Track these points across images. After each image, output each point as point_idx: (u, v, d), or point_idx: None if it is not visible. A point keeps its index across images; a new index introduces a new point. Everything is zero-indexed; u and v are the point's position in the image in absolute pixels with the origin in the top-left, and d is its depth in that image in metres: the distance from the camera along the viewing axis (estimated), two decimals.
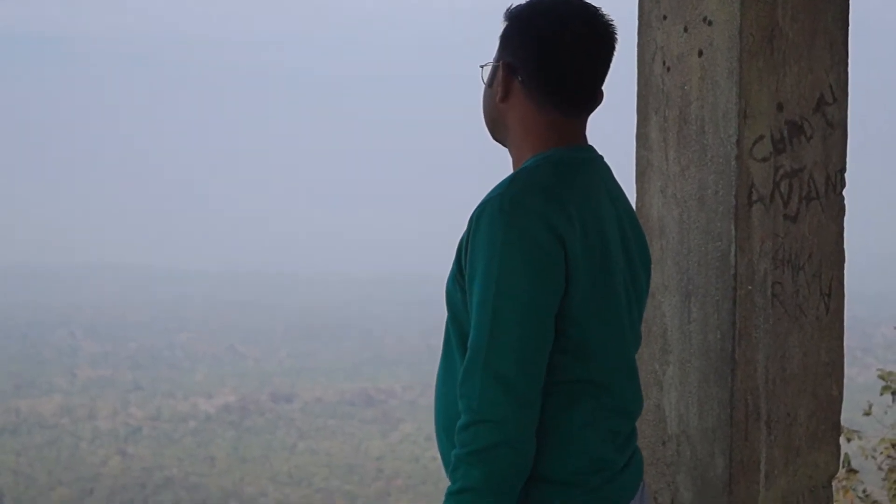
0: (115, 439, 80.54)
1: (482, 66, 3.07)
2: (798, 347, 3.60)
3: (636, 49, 3.77)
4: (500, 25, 3.07)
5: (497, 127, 3.03)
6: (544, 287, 2.76)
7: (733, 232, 3.47)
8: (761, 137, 3.50)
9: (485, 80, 3.06)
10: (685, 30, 3.61)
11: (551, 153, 2.92)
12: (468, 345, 2.77)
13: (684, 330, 3.61)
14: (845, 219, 3.73)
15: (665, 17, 3.66)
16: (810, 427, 3.63)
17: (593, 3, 2.98)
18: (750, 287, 3.49)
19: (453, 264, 2.89)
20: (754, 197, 3.50)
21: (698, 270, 3.57)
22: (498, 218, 2.76)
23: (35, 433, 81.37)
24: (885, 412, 8.79)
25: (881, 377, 8.65)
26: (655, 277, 3.64)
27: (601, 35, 2.92)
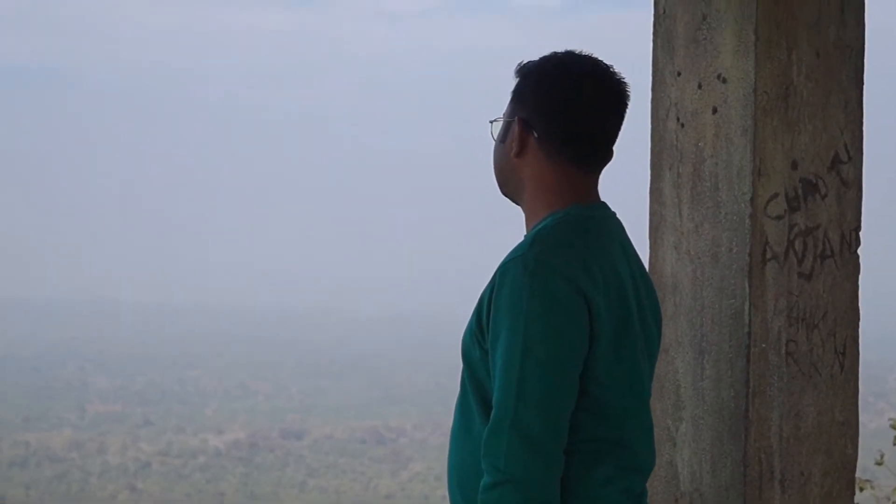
0: (124, 474, 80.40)
1: (492, 122, 3.08)
2: (812, 406, 3.58)
3: (650, 105, 3.77)
4: (510, 81, 3.08)
5: (509, 182, 3.04)
6: (570, 347, 2.77)
7: (747, 289, 3.47)
8: (776, 195, 3.50)
9: (495, 136, 3.07)
10: (699, 87, 3.61)
11: (569, 210, 2.93)
12: (493, 403, 2.78)
13: (697, 387, 3.60)
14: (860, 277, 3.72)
15: (679, 74, 3.67)
16: (825, 486, 3.61)
17: (605, 61, 2.99)
18: (764, 345, 3.49)
19: (472, 320, 2.90)
20: (768, 255, 3.49)
21: (712, 327, 3.56)
22: (523, 277, 2.77)
23: (44, 467, 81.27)
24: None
25: (893, 426, 8.61)
26: (668, 333, 3.63)
27: (616, 93, 2.94)
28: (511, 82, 3.04)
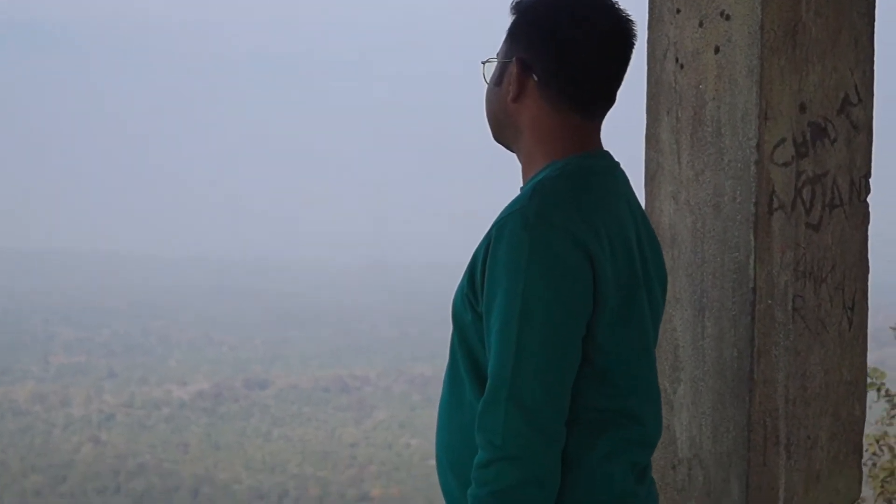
0: (88, 426, 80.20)
1: (484, 63, 2.82)
2: (820, 365, 3.36)
3: (646, 45, 3.52)
4: (504, 18, 2.82)
5: (504, 129, 2.78)
6: (573, 310, 2.52)
7: (752, 242, 3.23)
8: (783, 140, 3.26)
9: (488, 78, 2.81)
10: (700, 24, 3.36)
11: (570, 160, 2.68)
12: (489, 373, 2.53)
13: (697, 346, 3.37)
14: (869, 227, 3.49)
15: (679, 11, 3.42)
16: (831, 450, 3.40)
17: None
18: (770, 301, 3.25)
19: (464, 280, 2.64)
20: (775, 204, 3.26)
21: (713, 283, 3.33)
22: (522, 234, 2.52)
23: (8, 420, 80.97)
24: (870, 408, 8.61)
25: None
26: (667, 289, 3.39)
27: (622, 31, 2.69)
28: (506, 20, 2.78)
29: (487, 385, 2.53)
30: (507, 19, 2.82)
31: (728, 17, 3.29)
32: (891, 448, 8.85)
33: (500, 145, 2.85)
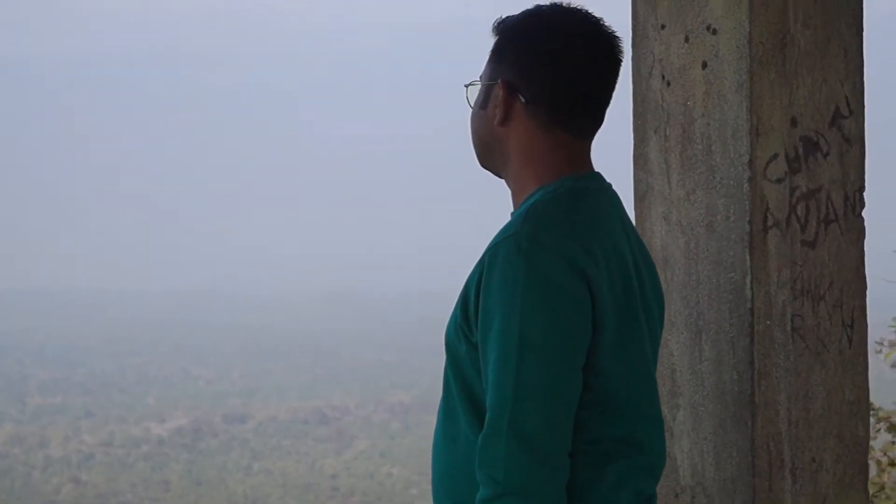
0: (67, 467, 79.72)
1: (467, 86, 2.73)
2: (821, 386, 3.27)
3: (630, 62, 3.44)
4: (486, 39, 2.73)
5: (491, 153, 2.69)
6: (572, 336, 2.43)
7: (748, 261, 3.14)
8: (775, 156, 3.18)
9: (472, 102, 2.72)
10: (686, 40, 3.28)
11: (562, 182, 2.59)
12: (488, 405, 2.43)
13: (696, 370, 3.27)
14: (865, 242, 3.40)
15: (663, 27, 3.33)
16: (837, 473, 3.30)
17: (594, 14, 2.65)
18: (768, 321, 3.16)
19: (456, 310, 2.55)
20: (770, 222, 3.17)
21: (709, 304, 3.24)
22: (516, 260, 2.42)
23: None
24: None
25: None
26: None
27: (610, 48, 2.60)
28: (488, 42, 2.69)
29: (486, 418, 2.44)
30: (489, 40, 2.73)
31: (715, 32, 3.21)
32: (878, 462, 8.81)
33: (487, 171, 2.76)
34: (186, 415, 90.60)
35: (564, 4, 2.62)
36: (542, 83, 2.59)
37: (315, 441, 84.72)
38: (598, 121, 2.67)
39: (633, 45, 3.41)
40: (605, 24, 2.64)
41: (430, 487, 2.67)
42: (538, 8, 2.63)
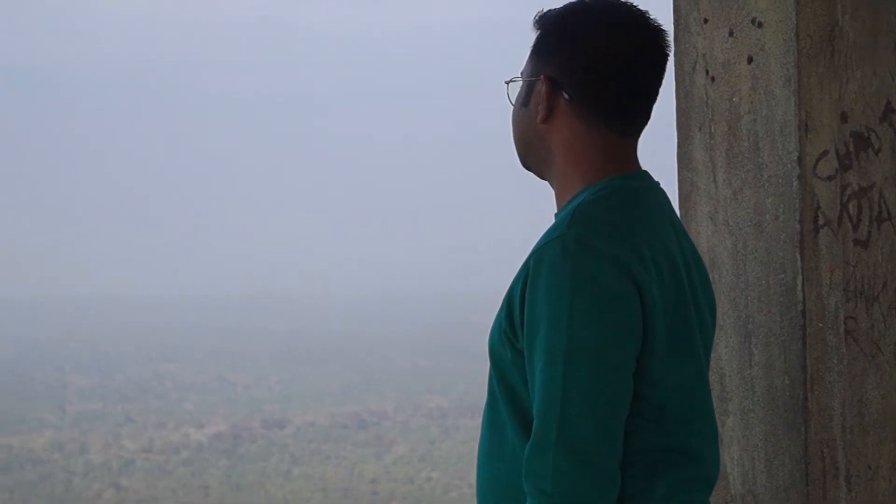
0: (108, 472, 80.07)
1: (508, 83, 2.64)
2: (876, 390, 3.15)
3: (673, 58, 3.32)
4: (529, 35, 2.64)
5: (534, 152, 2.59)
6: (622, 342, 2.34)
7: (799, 262, 3.03)
8: (825, 153, 3.07)
9: (513, 100, 2.62)
10: (731, 34, 3.17)
11: (608, 182, 2.49)
12: (535, 414, 2.34)
13: (745, 375, 3.17)
14: None
15: (706, 21, 3.23)
16: (894, 480, 3.19)
17: (639, 7, 2.56)
18: (821, 324, 3.05)
19: (500, 316, 2.45)
20: (821, 221, 3.06)
21: (759, 307, 3.13)
22: (563, 263, 2.33)
23: (27, 469, 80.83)
24: None
25: None
26: None
27: (656, 42, 2.50)
28: (530, 37, 2.59)
29: (534, 428, 2.34)
30: (530, 35, 2.64)
31: (760, 25, 3.10)
32: None
33: (528, 171, 2.67)
34: (225, 420, 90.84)
35: None
36: (586, 79, 2.49)
37: (354, 446, 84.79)
38: (644, 118, 2.57)
39: (676, 40, 3.31)
40: (651, 17, 2.55)
41: (469, 492, 2.58)
42: (581, 1, 2.53)
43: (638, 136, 2.58)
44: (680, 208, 3.32)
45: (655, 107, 2.92)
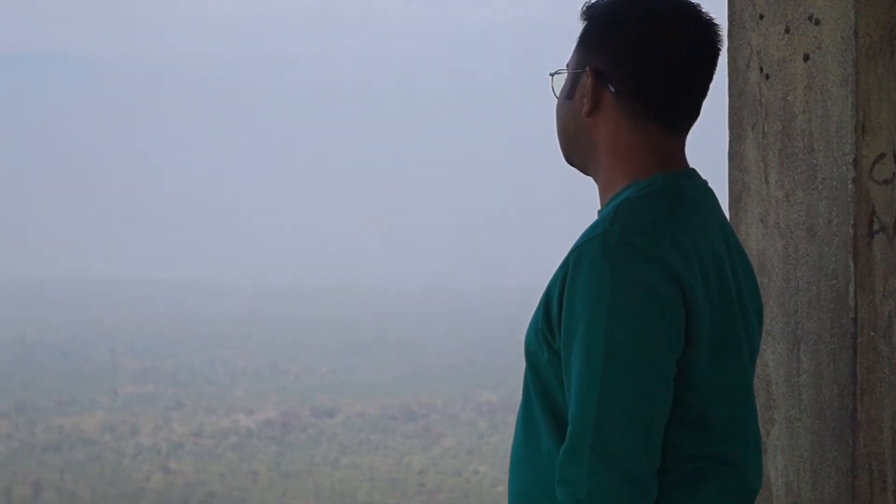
0: (157, 455, 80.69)
1: (553, 75, 2.55)
2: None
3: (726, 54, 3.23)
4: (575, 26, 2.55)
5: (578, 147, 2.50)
6: (664, 345, 2.24)
7: (852, 268, 2.93)
8: (882, 156, 2.95)
9: (558, 92, 2.53)
10: (787, 31, 3.07)
11: (654, 179, 2.40)
12: (570, 418, 2.25)
13: (792, 383, 3.07)
14: None
15: (762, 17, 3.12)
16: None
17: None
18: (872, 333, 2.94)
19: (538, 315, 2.36)
20: (875, 226, 2.95)
21: (809, 313, 3.03)
22: (603, 262, 2.24)
23: (78, 450, 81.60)
24: None
25: None
26: None
27: (708, 36, 2.41)
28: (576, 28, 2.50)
29: (569, 432, 2.26)
30: (577, 26, 2.55)
31: (818, 22, 3.00)
32: None
33: (572, 166, 2.58)
34: (275, 408, 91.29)
35: None
36: (633, 72, 2.40)
37: (402, 437, 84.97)
38: (693, 114, 2.48)
39: (730, 37, 3.21)
40: (703, 10, 2.45)
41: None
42: None
43: (686, 132, 2.49)
44: (730, 209, 3.22)
45: (707, 103, 2.83)
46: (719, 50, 2.45)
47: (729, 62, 3.25)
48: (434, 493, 69.11)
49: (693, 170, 2.48)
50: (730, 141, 3.24)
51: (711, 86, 2.68)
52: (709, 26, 2.43)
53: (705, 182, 2.50)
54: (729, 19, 3.24)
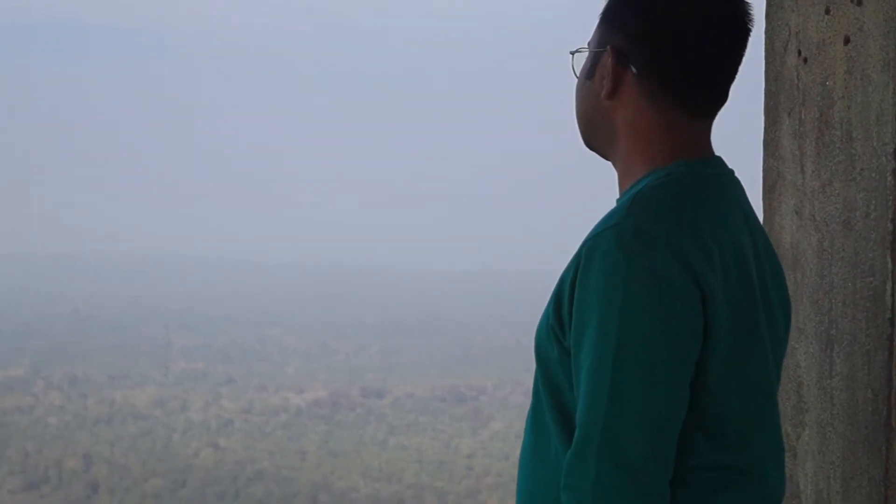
0: (207, 431, 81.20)
1: (573, 53, 2.39)
2: None
3: (763, 36, 3.07)
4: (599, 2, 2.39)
5: (597, 130, 2.34)
6: (680, 344, 2.09)
7: (889, 265, 2.75)
8: None
9: (578, 72, 2.37)
10: (827, 11, 2.89)
11: (676, 167, 2.23)
12: (577, 420, 2.10)
13: (825, 386, 2.90)
14: None
15: None
16: None
17: None
18: None
19: (548, 309, 2.22)
20: None
21: (843, 312, 2.86)
22: (617, 254, 2.09)
23: (129, 424, 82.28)
24: None
25: None
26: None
27: (737, 15, 2.24)
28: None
29: (576, 434, 2.11)
30: (600, 2, 2.39)
31: (860, 3, 2.82)
32: None
33: (591, 151, 2.42)
34: (325, 387, 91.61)
35: None
36: (656, 52, 2.24)
37: (451, 419, 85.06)
38: (720, 98, 2.31)
39: (767, 17, 3.05)
40: None
41: None
42: None
43: (712, 118, 2.32)
44: (763, 200, 3.07)
45: (742, 87, 2.65)
46: (750, 30, 2.28)
47: (766, 44, 3.08)
48: (482, 477, 69.05)
49: (719, 158, 2.32)
50: (765, 127, 3.08)
51: (747, 69, 2.51)
52: (739, 4, 2.26)
53: (732, 171, 2.33)
54: None
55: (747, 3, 2.29)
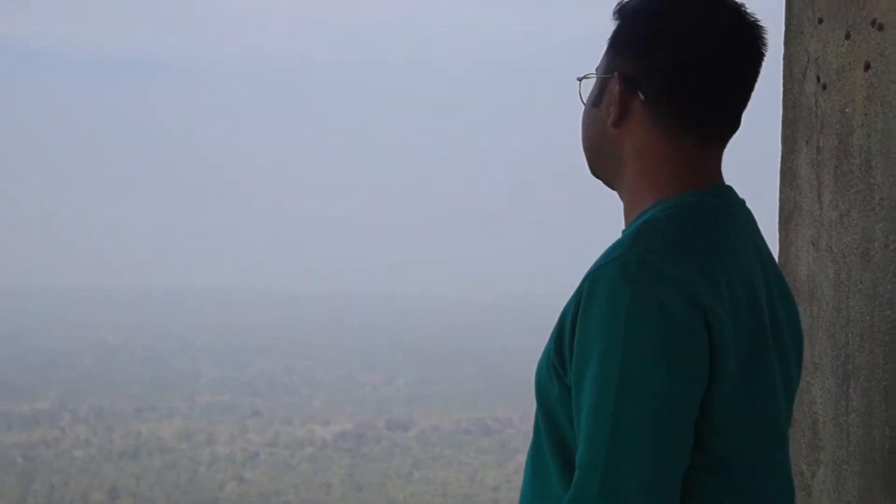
0: (232, 464, 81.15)
1: (580, 80, 2.32)
2: None
3: (782, 61, 2.99)
4: (608, 25, 2.32)
5: (603, 159, 2.28)
6: (685, 382, 2.02)
7: None
8: None
9: (585, 98, 2.31)
10: (847, 37, 2.82)
11: (684, 197, 2.16)
12: (577, 461, 2.03)
13: (840, 422, 2.81)
14: None
15: (821, 21, 2.88)
16: None
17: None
18: None
19: (549, 345, 2.15)
20: None
21: (860, 346, 2.77)
22: (621, 287, 2.02)
23: (155, 456, 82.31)
24: None
25: None
26: (804, 353, 2.84)
27: (750, 40, 2.17)
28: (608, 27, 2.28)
29: (575, 476, 2.04)
30: (608, 26, 2.32)
31: (881, 27, 2.75)
32: None
33: (597, 180, 2.35)
34: (351, 419, 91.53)
35: None
36: (666, 78, 2.17)
37: (477, 452, 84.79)
38: (731, 124, 2.24)
39: (785, 42, 2.98)
40: (747, 10, 2.21)
41: None
42: None
43: (723, 145, 2.25)
44: (779, 231, 2.99)
45: (758, 114, 2.58)
46: (763, 54, 2.22)
47: (784, 70, 3.02)
48: None
49: (729, 187, 2.25)
50: (782, 156, 3.01)
51: (764, 96, 2.44)
52: (752, 28, 2.19)
53: (743, 201, 2.26)
54: (786, 23, 3.02)
55: (760, 26, 2.22)
